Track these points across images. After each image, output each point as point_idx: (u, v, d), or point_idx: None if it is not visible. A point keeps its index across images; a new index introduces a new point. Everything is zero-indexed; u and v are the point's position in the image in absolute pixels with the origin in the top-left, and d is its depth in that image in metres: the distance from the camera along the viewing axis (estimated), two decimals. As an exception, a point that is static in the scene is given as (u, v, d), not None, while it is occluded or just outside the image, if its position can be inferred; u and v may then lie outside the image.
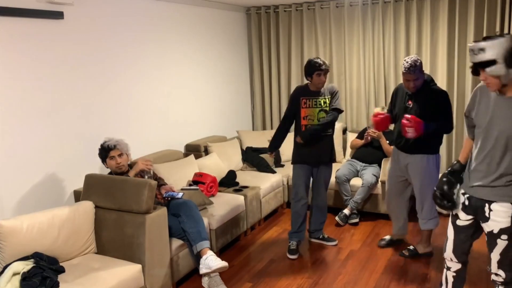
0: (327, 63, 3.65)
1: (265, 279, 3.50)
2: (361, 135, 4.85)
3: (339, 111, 3.71)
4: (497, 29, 4.54)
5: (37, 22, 3.25)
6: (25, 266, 2.60)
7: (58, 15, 3.35)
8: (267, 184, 4.62)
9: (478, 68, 2.19)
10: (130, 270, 2.87)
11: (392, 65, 5.14)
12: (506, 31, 4.49)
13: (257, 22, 5.86)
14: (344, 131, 5.39)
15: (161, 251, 3.10)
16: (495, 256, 2.36)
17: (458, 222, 2.49)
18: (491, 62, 2.11)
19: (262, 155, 5.06)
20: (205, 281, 3.28)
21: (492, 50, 2.09)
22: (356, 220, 4.41)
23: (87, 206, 3.10)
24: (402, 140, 3.50)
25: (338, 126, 5.20)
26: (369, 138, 4.63)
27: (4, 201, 3.12)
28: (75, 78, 3.58)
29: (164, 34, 4.50)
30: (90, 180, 3.22)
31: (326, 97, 3.71)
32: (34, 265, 2.63)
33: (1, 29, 3.03)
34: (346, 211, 4.36)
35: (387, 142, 4.56)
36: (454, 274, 2.63)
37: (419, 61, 3.28)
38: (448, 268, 2.64)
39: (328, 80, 5.69)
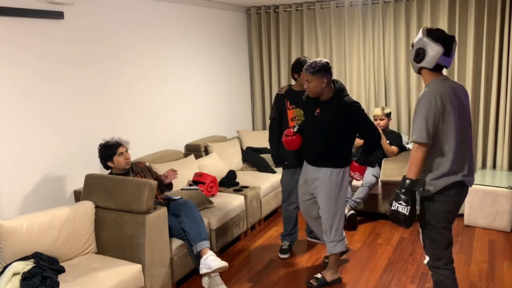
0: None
1: (265, 279, 3.50)
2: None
3: None
4: (497, 29, 4.55)
5: (37, 22, 3.25)
6: (25, 266, 2.60)
7: (58, 15, 3.35)
8: (267, 184, 4.62)
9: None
10: (130, 270, 2.87)
11: (392, 65, 5.14)
12: (506, 31, 4.50)
13: (257, 22, 5.86)
14: (344, 131, 5.37)
15: (161, 251, 3.10)
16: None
17: None
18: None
19: (262, 155, 5.06)
20: (205, 281, 3.28)
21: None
22: (353, 211, 4.33)
23: (87, 206, 3.10)
24: (311, 152, 3.24)
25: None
26: None
27: (4, 201, 3.12)
28: (76, 78, 3.58)
29: (164, 34, 4.50)
30: (90, 180, 3.22)
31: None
32: (34, 265, 2.63)
33: (1, 29, 3.03)
34: (345, 209, 4.34)
35: (388, 142, 4.56)
36: None
37: (320, 64, 3.04)
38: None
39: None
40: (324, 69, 3.05)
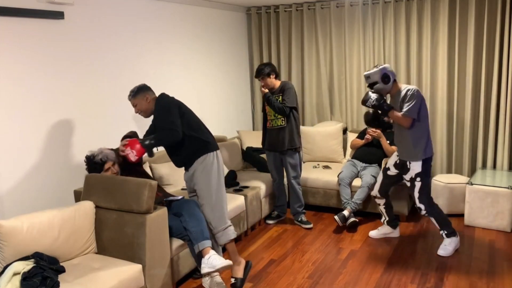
0: (268, 69, 4.20)
1: (265, 279, 3.50)
2: (361, 135, 4.85)
3: (285, 105, 4.17)
4: (497, 29, 4.55)
5: (38, 22, 3.25)
6: (26, 266, 2.60)
7: (58, 15, 3.35)
8: (267, 184, 4.62)
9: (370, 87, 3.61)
10: (130, 270, 2.87)
11: (393, 66, 5.14)
12: (506, 31, 4.49)
13: (257, 22, 5.86)
14: (344, 131, 5.38)
15: (161, 251, 3.10)
16: (416, 194, 3.67)
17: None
18: (375, 83, 3.55)
19: (262, 155, 5.06)
20: (205, 281, 3.27)
21: (373, 76, 3.54)
22: (354, 219, 4.36)
23: (88, 206, 3.10)
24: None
25: (338, 126, 5.20)
26: (369, 138, 4.63)
27: (5, 201, 3.12)
28: (76, 78, 3.58)
29: (164, 34, 4.50)
30: (91, 180, 3.22)
31: (277, 95, 4.25)
32: (34, 265, 2.63)
33: (1, 29, 3.03)
34: (346, 212, 4.34)
35: (387, 142, 4.56)
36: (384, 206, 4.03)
37: (137, 88, 3.33)
38: (379, 204, 4.06)
39: (328, 80, 5.71)
40: (140, 92, 3.32)
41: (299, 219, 4.53)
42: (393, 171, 3.84)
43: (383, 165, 4.47)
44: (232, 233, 3.34)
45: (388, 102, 3.68)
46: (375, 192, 4.00)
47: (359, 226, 4.44)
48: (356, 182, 4.54)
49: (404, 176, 3.73)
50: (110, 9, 3.86)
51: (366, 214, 4.64)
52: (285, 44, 5.73)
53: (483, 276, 3.40)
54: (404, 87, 3.58)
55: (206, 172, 3.28)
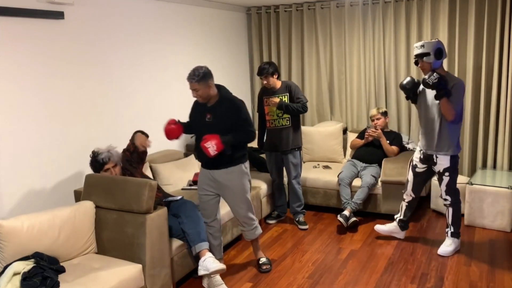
0: (271, 68, 4.16)
1: (265, 279, 3.50)
2: (361, 135, 4.85)
3: (303, 102, 4.22)
4: (498, 29, 4.55)
5: (38, 22, 3.25)
6: (26, 266, 2.60)
7: (58, 15, 3.35)
8: (267, 184, 4.62)
9: (418, 59, 3.48)
10: (130, 270, 2.87)
11: (393, 65, 5.14)
12: (506, 31, 4.49)
13: (257, 22, 5.86)
14: (344, 131, 5.38)
15: (161, 251, 3.10)
16: (443, 187, 3.65)
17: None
18: (427, 54, 3.40)
19: (262, 155, 5.06)
20: (205, 281, 3.28)
21: (428, 46, 3.39)
22: (354, 218, 4.36)
23: (88, 206, 3.10)
24: (204, 158, 3.30)
25: (338, 126, 5.20)
26: (369, 138, 4.63)
27: (5, 201, 3.12)
28: (76, 78, 3.58)
29: (164, 33, 4.50)
30: (91, 180, 3.22)
31: (282, 94, 4.23)
32: (34, 265, 2.63)
33: (1, 29, 3.03)
34: (346, 212, 4.34)
35: (388, 142, 4.56)
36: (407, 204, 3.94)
37: (203, 69, 3.15)
38: (404, 199, 3.97)
39: (328, 80, 5.71)
40: (206, 76, 3.16)
41: (297, 219, 4.54)
42: (421, 167, 3.75)
43: (383, 165, 4.48)
44: (260, 230, 3.58)
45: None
46: (408, 191, 3.87)
47: (359, 226, 4.44)
48: (356, 182, 4.53)
49: (434, 168, 3.66)
50: (110, 9, 3.86)
51: (366, 214, 4.64)
52: (285, 44, 5.73)
53: (483, 276, 3.40)
54: (452, 76, 3.49)
55: (245, 174, 3.38)
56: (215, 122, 3.24)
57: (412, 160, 3.87)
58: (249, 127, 3.26)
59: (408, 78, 3.64)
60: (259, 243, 3.71)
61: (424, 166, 3.73)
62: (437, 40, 3.43)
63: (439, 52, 3.39)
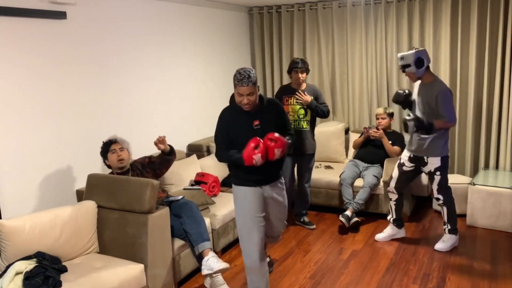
0: (307, 64, 4.14)
1: (267, 279, 3.50)
2: (362, 134, 4.84)
3: (328, 108, 4.20)
4: (500, 29, 4.54)
5: (40, 22, 3.26)
6: (28, 265, 2.61)
7: (60, 15, 3.36)
8: (269, 184, 4.61)
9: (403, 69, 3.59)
10: (132, 270, 2.88)
11: (395, 66, 5.14)
12: (509, 31, 4.48)
13: (259, 22, 5.86)
14: (347, 131, 5.38)
15: (163, 251, 3.10)
16: (434, 186, 3.71)
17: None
18: (407, 66, 3.52)
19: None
20: (207, 281, 3.28)
21: (407, 58, 3.52)
22: (356, 218, 4.35)
23: (90, 206, 3.11)
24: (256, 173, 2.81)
25: (340, 126, 5.20)
26: (366, 134, 4.62)
27: (7, 201, 3.13)
28: (78, 78, 3.58)
29: (166, 34, 4.51)
30: (93, 179, 3.23)
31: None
32: (36, 264, 2.63)
33: (3, 29, 3.03)
34: (348, 212, 4.33)
35: (390, 142, 4.55)
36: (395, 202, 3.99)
37: (253, 70, 2.70)
38: (390, 199, 4.00)
39: (330, 80, 5.71)
40: (256, 78, 2.72)
41: (302, 219, 4.53)
42: (408, 166, 3.81)
43: (385, 165, 4.48)
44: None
45: (416, 89, 3.69)
46: (391, 187, 3.95)
47: (361, 226, 4.43)
48: (358, 182, 4.53)
49: (423, 169, 3.74)
50: (112, 9, 3.86)
51: (368, 214, 4.64)
52: (287, 44, 5.73)
53: (485, 276, 3.39)
54: (438, 82, 3.56)
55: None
56: (266, 128, 2.78)
57: (400, 158, 3.92)
58: (292, 129, 3.05)
59: (398, 93, 3.79)
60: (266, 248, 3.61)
61: (412, 165, 3.79)
62: (415, 50, 3.50)
63: (419, 61, 3.49)
